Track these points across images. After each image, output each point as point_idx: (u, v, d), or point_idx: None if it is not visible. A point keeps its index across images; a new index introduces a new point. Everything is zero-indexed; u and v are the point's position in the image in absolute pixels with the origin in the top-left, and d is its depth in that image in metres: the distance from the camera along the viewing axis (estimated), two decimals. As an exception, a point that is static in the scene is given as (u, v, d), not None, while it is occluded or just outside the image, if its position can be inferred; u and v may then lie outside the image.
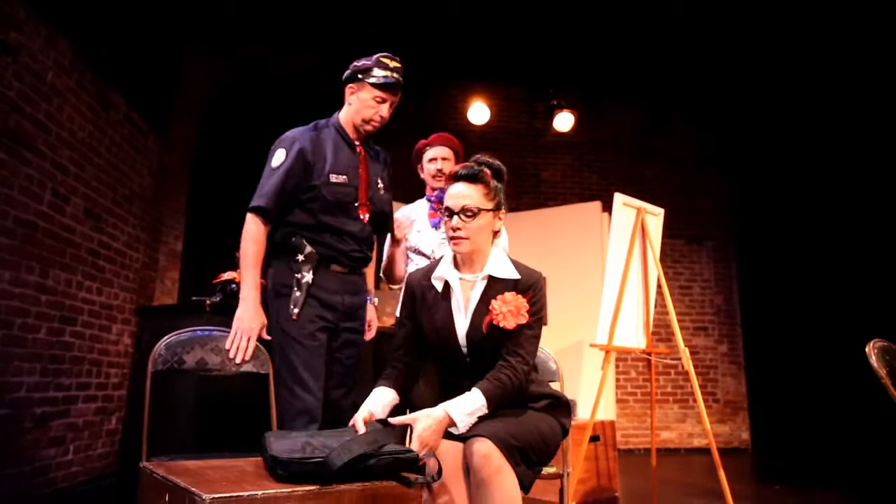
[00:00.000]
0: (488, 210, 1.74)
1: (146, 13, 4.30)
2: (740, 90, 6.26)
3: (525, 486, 1.58)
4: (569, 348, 5.21)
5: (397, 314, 2.08)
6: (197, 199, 4.99)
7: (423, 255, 2.61)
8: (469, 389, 1.64)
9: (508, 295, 1.70)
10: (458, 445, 1.59)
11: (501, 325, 1.67)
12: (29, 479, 3.15)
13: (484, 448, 1.51)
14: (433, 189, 2.70)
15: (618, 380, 6.17)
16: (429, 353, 1.85)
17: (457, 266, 1.82)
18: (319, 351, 2.09)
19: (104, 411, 3.88)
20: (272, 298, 2.13)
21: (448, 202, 1.75)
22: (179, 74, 4.87)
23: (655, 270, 3.57)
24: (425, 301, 1.82)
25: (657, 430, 6.12)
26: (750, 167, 6.64)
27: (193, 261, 4.86)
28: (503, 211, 1.80)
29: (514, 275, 1.75)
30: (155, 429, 1.84)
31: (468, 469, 1.54)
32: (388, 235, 2.59)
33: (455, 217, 1.72)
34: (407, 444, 1.58)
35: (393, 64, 2.16)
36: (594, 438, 3.59)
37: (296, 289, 2.08)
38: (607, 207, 4.27)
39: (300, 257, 2.10)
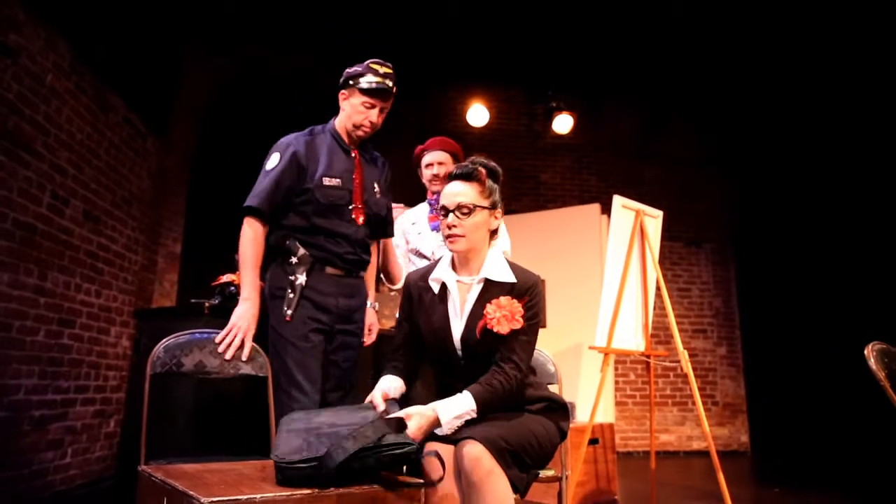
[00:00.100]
0: (484, 208, 1.74)
1: (146, 14, 4.30)
2: (739, 92, 6.27)
3: (519, 489, 1.58)
4: (568, 351, 5.21)
5: (397, 316, 2.09)
6: (196, 202, 4.99)
7: (424, 257, 2.67)
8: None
9: (503, 299, 1.70)
10: (450, 448, 1.58)
11: (495, 329, 1.67)
12: (27, 482, 3.14)
13: (474, 451, 1.51)
14: (433, 193, 2.74)
15: (617, 382, 6.16)
16: (425, 355, 1.86)
17: (454, 268, 1.82)
18: (313, 352, 2.10)
19: (102, 414, 3.87)
20: (268, 300, 2.16)
21: (443, 201, 1.76)
22: (179, 75, 4.87)
23: (654, 273, 3.57)
24: (422, 302, 1.82)
25: (656, 433, 6.12)
26: (749, 169, 6.65)
27: (192, 263, 4.85)
28: (499, 210, 1.80)
29: (510, 278, 1.75)
30: (153, 432, 1.83)
31: (460, 472, 1.54)
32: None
33: (451, 215, 1.73)
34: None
35: (383, 70, 2.19)
36: (593, 441, 3.59)
37: (289, 290, 2.11)
38: (606, 210, 4.28)
39: (293, 259, 2.13)
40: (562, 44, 5.76)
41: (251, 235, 2.09)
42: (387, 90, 2.18)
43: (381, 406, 1.63)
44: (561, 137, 6.51)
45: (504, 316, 1.67)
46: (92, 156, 3.68)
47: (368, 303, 2.36)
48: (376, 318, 2.43)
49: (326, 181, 2.15)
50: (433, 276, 1.82)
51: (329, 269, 2.17)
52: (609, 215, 3.55)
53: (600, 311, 3.39)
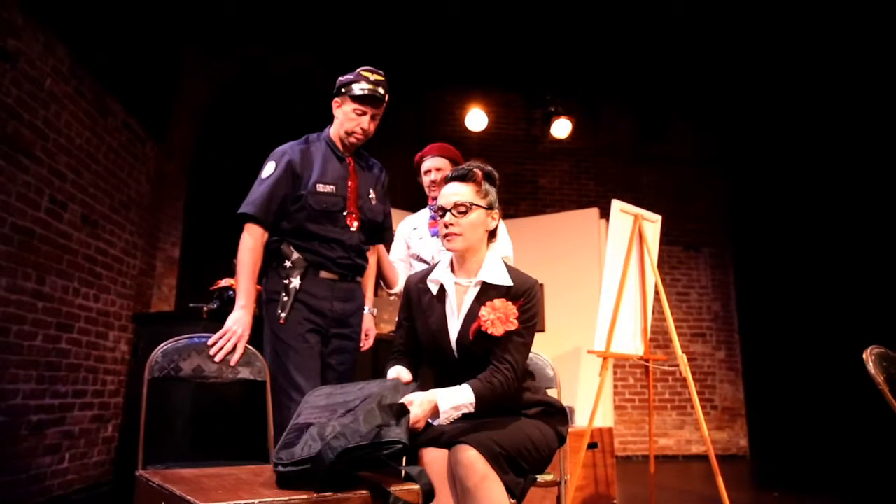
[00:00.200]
0: (480, 206, 1.76)
1: (145, 18, 4.30)
2: (737, 96, 6.29)
3: (515, 495, 1.58)
4: (566, 355, 5.21)
5: (397, 318, 2.10)
6: (195, 206, 4.98)
7: (424, 262, 2.70)
8: None
9: (497, 301, 1.71)
10: (444, 453, 1.58)
11: (489, 331, 1.67)
12: (24, 487, 3.13)
13: (468, 457, 1.51)
14: (433, 199, 2.75)
15: (615, 387, 6.16)
16: (424, 356, 1.87)
17: (453, 270, 1.84)
18: (311, 353, 2.13)
19: (100, 419, 3.86)
20: (265, 304, 2.20)
21: (440, 202, 1.78)
22: (178, 79, 4.87)
23: (653, 277, 3.57)
24: (421, 304, 1.84)
25: (655, 437, 6.11)
26: (748, 173, 6.66)
27: (191, 267, 4.85)
28: (496, 211, 1.82)
29: (507, 281, 1.76)
30: (151, 436, 1.83)
31: (454, 478, 1.54)
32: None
33: (447, 214, 1.75)
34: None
35: (374, 77, 2.22)
36: (592, 445, 3.59)
37: (283, 294, 2.14)
38: (605, 214, 4.29)
39: (288, 264, 2.17)
40: (560, 48, 5.78)
41: (250, 243, 2.13)
42: (378, 97, 2.22)
43: (407, 377, 1.77)
44: (559, 142, 6.53)
45: (498, 318, 1.68)
46: (91, 160, 3.68)
47: (366, 308, 2.38)
48: (374, 324, 2.44)
49: (320, 188, 2.19)
50: (431, 277, 1.84)
51: (323, 274, 2.19)
52: (608, 219, 3.55)
53: (599, 315, 3.39)
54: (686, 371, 3.19)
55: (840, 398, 5.28)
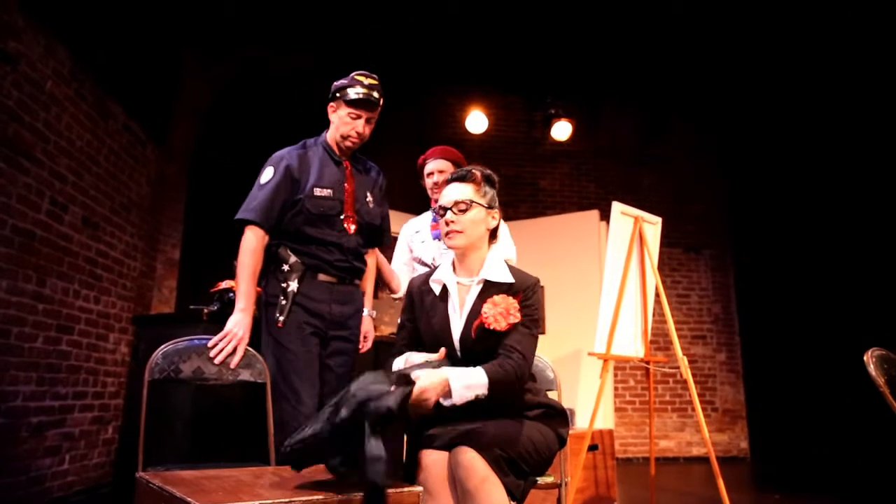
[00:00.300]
0: (480, 204, 1.79)
1: (146, 20, 4.30)
2: (738, 98, 6.29)
3: (516, 497, 1.57)
4: (567, 357, 5.21)
5: (399, 320, 2.10)
6: (195, 208, 4.98)
7: (426, 264, 2.70)
8: None
9: (498, 297, 1.72)
10: (444, 455, 1.58)
11: (493, 327, 1.68)
12: (24, 489, 3.13)
13: (468, 459, 1.51)
14: (436, 202, 2.75)
15: (616, 388, 6.16)
16: None
17: (455, 270, 1.85)
18: (309, 357, 2.14)
19: (100, 421, 3.86)
20: (263, 307, 2.21)
21: (441, 201, 1.82)
22: (179, 80, 4.87)
23: (653, 279, 3.57)
24: (423, 304, 1.85)
25: (656, 439, 6.10)
26: (748, 175, 6.66)
27: (191, 270, 4.85)
28: (497, 210, 1.85)
29: (508, 279, 1.77)
30: (151, 438, 1.83)
31: (455, 480, 1.54)
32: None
33: (448, 212, 1.77)
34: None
35: (368, 81, 2.24)
36: (593, 447, 3.58)
37: (282, 297, 2.15)
38: (605, 216, 4.29)
39: (286, 267, 2.18)
40: (560, 50, 5.79)
41: (251, 246, 2.13)
42: (372, 101, 2.23)
43: (439, 354, 1.70)
44: (559, 144, 6.53)
45: (500, 313, 1.69)
46: (91, 162, 3.69)
47: (365, 311, 2.39)
48: (373, 326, 2.44)
49: (318, 192, 2.21)
50: (434, 278, 1.86)
51: (321, 277, 2.21)
52: (608, 222, 3.55)
53: (599, 317, 3.39)
54: (687, 373, 3.19)
55: (841, 400, 5.27)
